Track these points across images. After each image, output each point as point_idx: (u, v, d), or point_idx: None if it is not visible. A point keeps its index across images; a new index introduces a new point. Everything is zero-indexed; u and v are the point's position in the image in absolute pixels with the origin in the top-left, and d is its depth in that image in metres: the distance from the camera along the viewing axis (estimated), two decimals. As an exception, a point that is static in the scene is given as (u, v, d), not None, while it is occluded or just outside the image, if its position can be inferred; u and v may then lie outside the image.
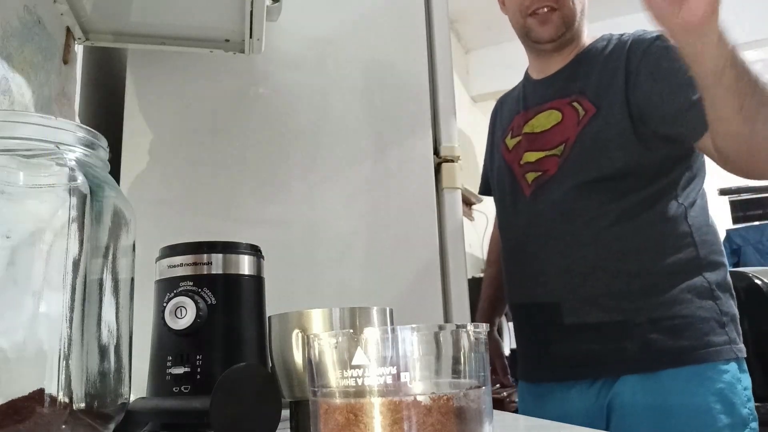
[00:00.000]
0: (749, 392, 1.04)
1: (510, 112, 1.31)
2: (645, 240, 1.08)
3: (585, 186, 1.10)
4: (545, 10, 1.15)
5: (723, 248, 1.14)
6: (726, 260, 1.13)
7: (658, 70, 1.05)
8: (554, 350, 1.14)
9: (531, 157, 1.18)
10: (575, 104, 1.14)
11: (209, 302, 0.68)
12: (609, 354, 1.07)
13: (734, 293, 1.10)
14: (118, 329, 0.56)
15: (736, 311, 1.09)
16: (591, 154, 1.10)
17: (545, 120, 1.18)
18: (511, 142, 1.25)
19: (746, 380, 1.04)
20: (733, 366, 1.03)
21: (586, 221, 1.10)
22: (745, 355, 1.06)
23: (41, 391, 0.47)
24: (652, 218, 1.08)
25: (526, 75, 1.31)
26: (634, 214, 1.08)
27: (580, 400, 1.11)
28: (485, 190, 1.43)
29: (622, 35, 1.16)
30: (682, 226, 1.07)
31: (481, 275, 3.14)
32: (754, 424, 1.02)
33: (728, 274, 1.11)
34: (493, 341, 1.39)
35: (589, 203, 1.10)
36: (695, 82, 0.90)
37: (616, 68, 1.10)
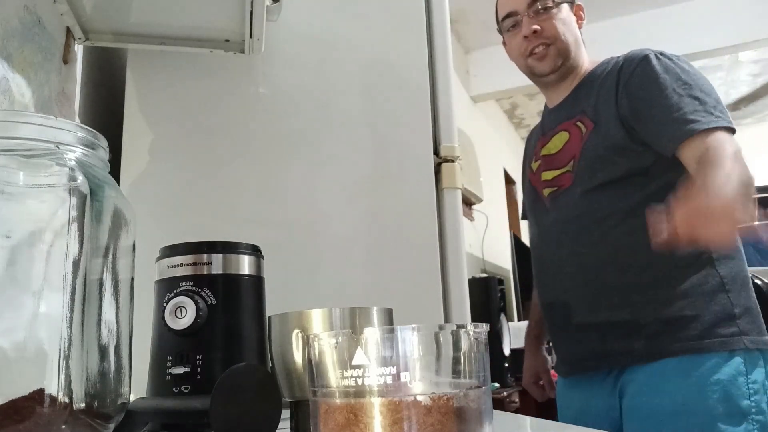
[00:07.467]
0: (757, 385, 1.06)
1: (534, 140, 1.44)
2: None
3: (594, 190, 1.19)
4: (540, 48, 1.29)
5: (739, 242, 1.17)
6: (742, 254, 1.17)
7: (640, 90, 1.16)
8: (573, 344, 1.24)
9: (548, 175, 1.31)
10: (579, 123, 1.26)
11: (209, 302, 0.68)
12: (618, 346, 1.14)
13: (754, 286, 1.15)
14: (118, 329, 0.56)
15: (752, 304, 1.12)
16: (595, 164, 1.20)
17: (558, 141, 1.30)
18: (534, 165, 1.38)
19: (758, 373, 1.06)
20: (736, 359, 1.06)
21: (597, 220, 1.18)
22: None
23: (41, 391, 0.47)
24: None
25: (545, 106, 1.44)
26: (643, 210, 1.11)
27: (600, 392, 1.19)
28: (524, 215, 1.53)
29: (619, 58, 1.26)
30: None
31: (482, 275, 3.15)
32: (760, 417, 1.04)
33: (745, 267, 1.16)
34: (540, 358, 1.50)
35: (599, 205, 1.19)
36: (669, 100, 1.09)
37: (610, 86, 1.22)
